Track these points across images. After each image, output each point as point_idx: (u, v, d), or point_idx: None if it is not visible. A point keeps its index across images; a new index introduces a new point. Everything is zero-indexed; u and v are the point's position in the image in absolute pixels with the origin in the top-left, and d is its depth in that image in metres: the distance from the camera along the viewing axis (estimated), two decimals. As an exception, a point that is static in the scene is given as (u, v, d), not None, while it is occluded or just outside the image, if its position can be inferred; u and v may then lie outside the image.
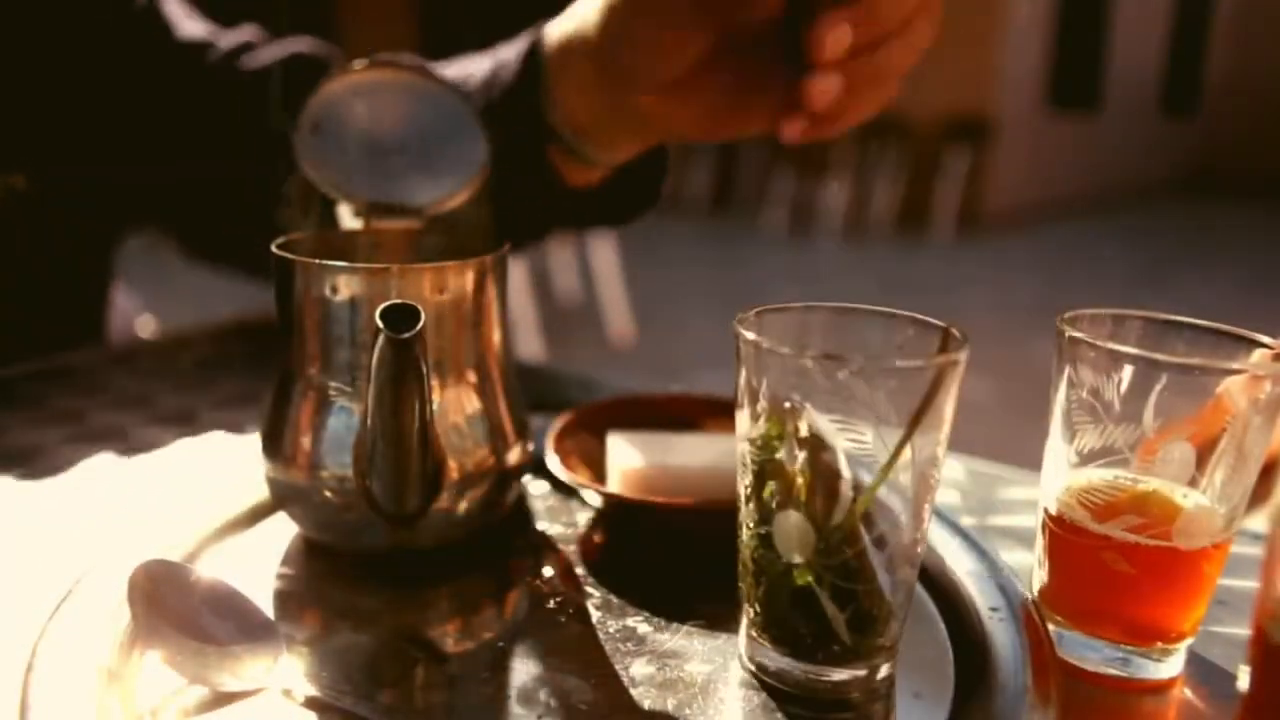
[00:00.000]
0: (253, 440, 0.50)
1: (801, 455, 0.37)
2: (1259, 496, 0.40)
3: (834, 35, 0.43)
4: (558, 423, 0.57)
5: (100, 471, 0.62)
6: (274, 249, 0.47)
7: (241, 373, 0.82)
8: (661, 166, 0.65)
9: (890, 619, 0.38)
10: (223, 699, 0.38)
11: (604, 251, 4.42)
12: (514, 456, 0.50)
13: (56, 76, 0.88)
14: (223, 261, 1.02)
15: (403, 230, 0.54)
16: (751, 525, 0.39)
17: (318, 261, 0.45)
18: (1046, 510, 0.43)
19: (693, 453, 0.53)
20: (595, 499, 0.53)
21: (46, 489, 0.59)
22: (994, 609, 0.44)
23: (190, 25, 0.94)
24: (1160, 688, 0.41)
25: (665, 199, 0.67)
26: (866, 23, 0.44)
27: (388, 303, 0.40)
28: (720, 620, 0.44)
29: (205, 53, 0.91)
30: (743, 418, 0.39)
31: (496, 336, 0.49)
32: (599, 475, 0.55)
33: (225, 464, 0.61)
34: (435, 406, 0.46)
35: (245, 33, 0.94)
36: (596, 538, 0.53)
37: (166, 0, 0.95)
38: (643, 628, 0.44)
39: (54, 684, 0.37)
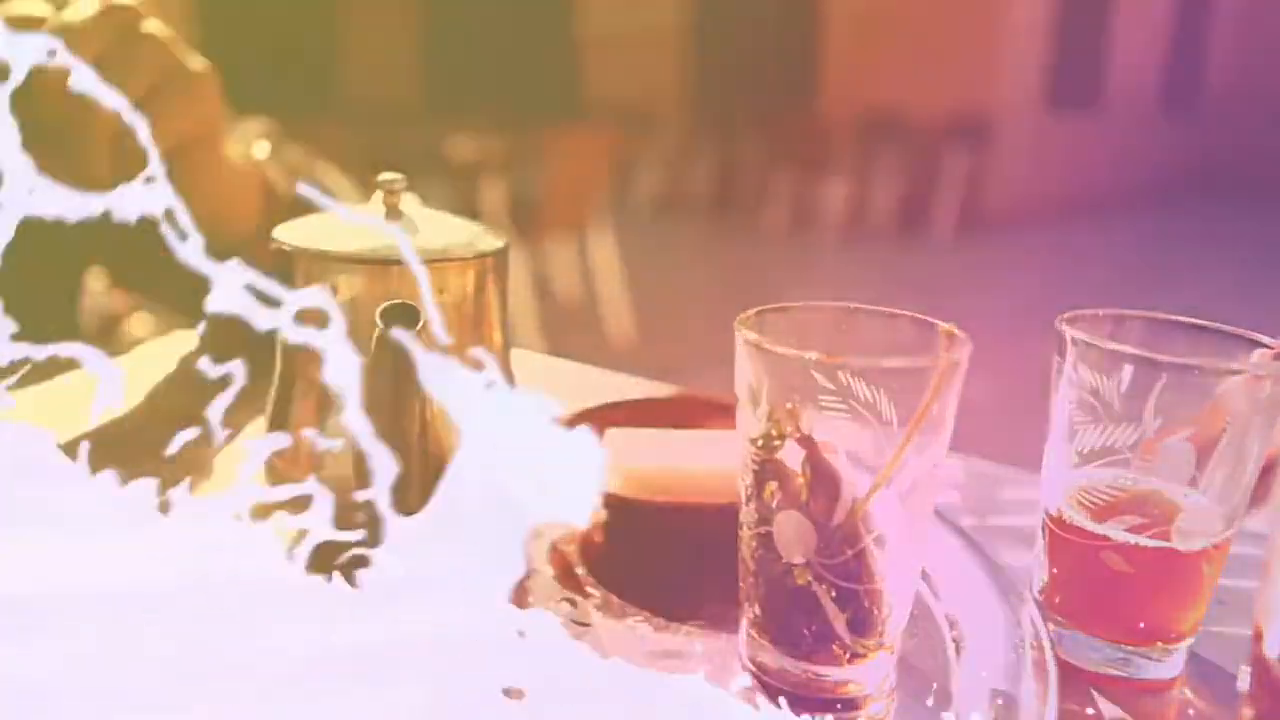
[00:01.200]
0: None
1: (802, 455, 0.37)
2: (1259, 496, 0.40)
3: None
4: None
5: (100, 471, 0.62)
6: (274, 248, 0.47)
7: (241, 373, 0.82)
8: None
9: (890, 619, 0.38)
10: (223, 699, 0.38)
11: (604, 251, 4.42)
12: (514, 456, 0.50)
13: None
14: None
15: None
16: (751, 525, 0.39)
17: (318, 261, 0.45)
18: (1046, 510, 0.43)
19: (693, 453, 0.53)
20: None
21: (47, 489, 0.59)
22: (994, 610, 0.44)
23: None
24: (1160, 688, 0.41)
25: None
26: None
27: (388, 302, 0.40)
28: (720, 620, 0.44)
29: None
30: (743, 417, 0.39)
31: (497, 336, 0.49)
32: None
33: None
34: (435, 407, 0.46)
35: None
36: (596, 538, 0.53)
37: None
38: (642, 628, 0.44)
39: (54, 684, 0.37)
